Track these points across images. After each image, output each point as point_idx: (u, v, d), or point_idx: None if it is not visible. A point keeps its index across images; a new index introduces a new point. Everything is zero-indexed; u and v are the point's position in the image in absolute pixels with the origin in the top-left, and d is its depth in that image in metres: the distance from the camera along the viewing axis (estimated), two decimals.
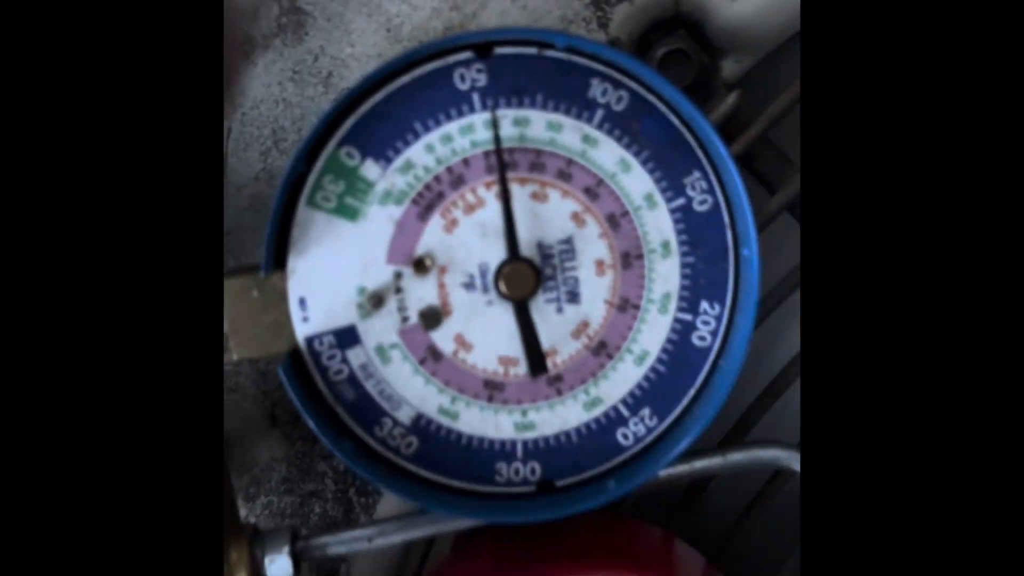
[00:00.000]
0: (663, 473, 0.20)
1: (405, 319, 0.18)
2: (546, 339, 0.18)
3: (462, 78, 0.17)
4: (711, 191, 0.18)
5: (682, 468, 0.20)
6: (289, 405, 0.24)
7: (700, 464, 0.20)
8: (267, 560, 0.19)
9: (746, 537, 0.23)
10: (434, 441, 0.18)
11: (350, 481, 0.23)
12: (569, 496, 0.18)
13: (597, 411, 0.19)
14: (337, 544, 0.20)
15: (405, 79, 0.17)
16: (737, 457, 0.20)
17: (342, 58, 0.21)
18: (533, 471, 0.19)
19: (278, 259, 0.18)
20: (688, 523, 0.24)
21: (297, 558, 0.19)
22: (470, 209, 0.18)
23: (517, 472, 0.19)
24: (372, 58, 0.20)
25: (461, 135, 0.17)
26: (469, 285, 0.18)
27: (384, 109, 0.17)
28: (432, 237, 0.18)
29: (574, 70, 0.18)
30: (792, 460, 0.20)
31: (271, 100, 0.21)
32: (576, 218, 0.18)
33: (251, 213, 0.21)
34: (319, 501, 0.23)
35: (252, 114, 0.21)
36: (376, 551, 0.20)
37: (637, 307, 0.18)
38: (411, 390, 0.18)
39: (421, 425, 0.18)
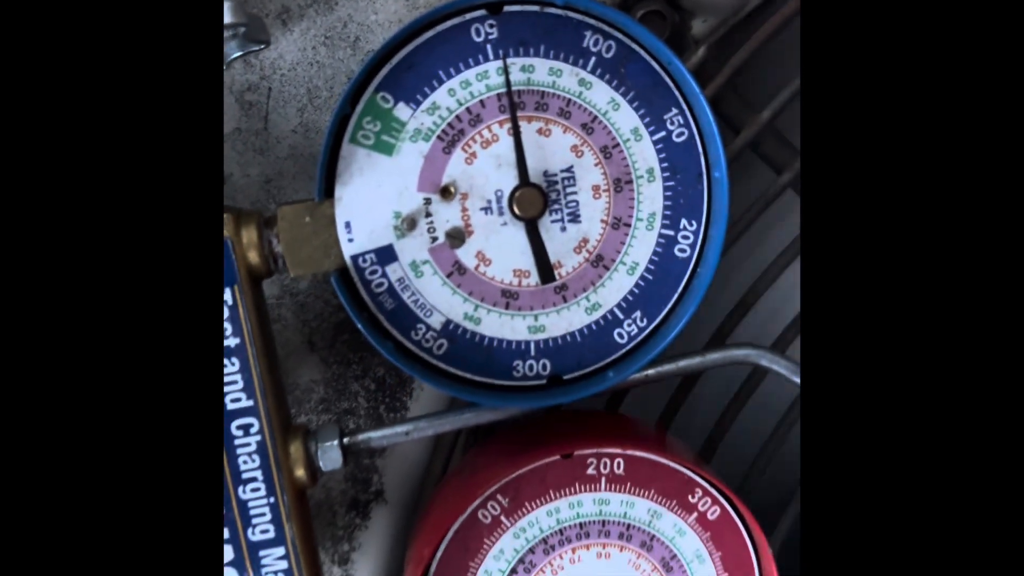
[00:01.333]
0: (653, 371, 0.23)
1: (434, 239, 0.21)
2: (553, 254, 0.22)
3: (477, 32, 0.21)
4: (687, 125, 0.21)
5: (668, 366, 0.23)
6: (326, 333, 0.27)
7: (683, 363, 0.24)
8: (320, 452, 0.22)
9: (730, 430, 0.26)
10: (461, 343, 0.22)
11: (380, 399, 0.26)
12: (575, 386, 0.22)
13: (597, 315, 0.22)
14: (379, 438, 0.23)
15: (430, 34, 0.21)
16: (714, 356, 0.24)
17: (368, 24, 0.24)
18: (544, 367, 0.22)
19: (327, 190, 0.21)
20: (681, 423, 0.27)
21: (345, 450, 0.22)
22: (487, 144, 0.21)
23: (531, 368, 0.22)
24: (393, 23, 0.24)
25: (477, 80, 0.21)
26: (487, 208, 0.21)
27: (412, 59, 0.21)
28: (455, 168, 0.21)
29: (570, 24, 0.21)
30: (761, 358, 0.24)
31: (306, 62, 0.24)
32: (575, 150, 0.21)
33: (290, 162, 0.24)
34: (353, 417, 0.26)
35: (289, 75, 0.24)
36: (411, 442, 0.24)
37: (628, 225, 0.22)
38: (440, 300, 0.21)
39: (450, 330, 0.22)
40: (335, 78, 0.24)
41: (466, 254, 0.21)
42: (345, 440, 0.22)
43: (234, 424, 0.21)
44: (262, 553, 0.21)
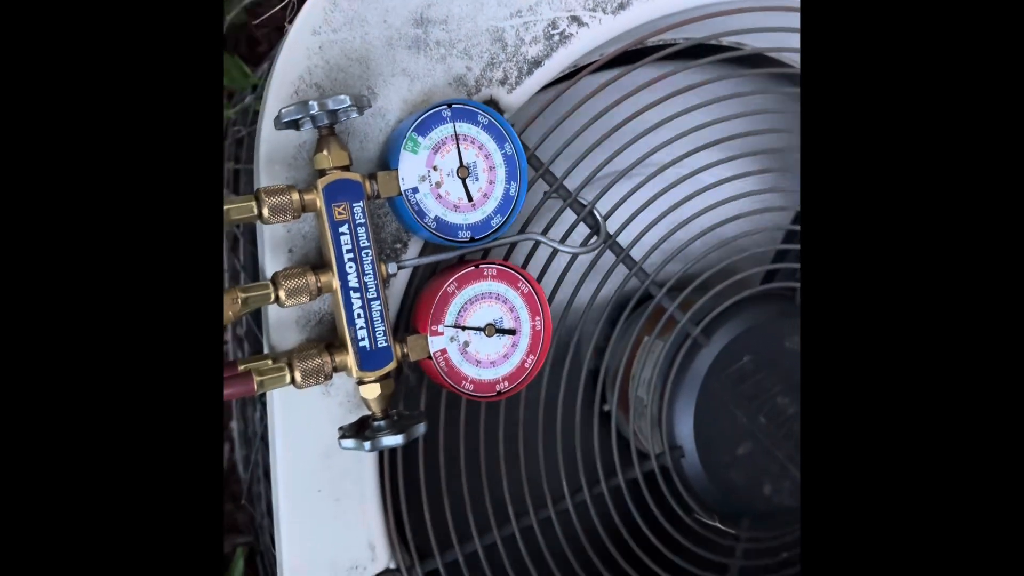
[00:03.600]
0: (498, 241, 0.61)
1: (436, 183, 0.58)
2: (472, 192, 0.59)
3: (444, 114, 0.58)
4: (515, 146, 0.60)
5: (505, 240, 0.61)
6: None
7: (509, 239, 0.62)
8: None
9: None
10: (440, 226, 0.58)
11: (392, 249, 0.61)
12: (477, 242, 0.59)
13: (485, 215, 0.60)
14: (406, 263, 0.58)
15: (428, 112, 0.57)
16: (520, 236, 0.62)
17: (389, 108, 0.60)
18: (467, 232, 0.59)
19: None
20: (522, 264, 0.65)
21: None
22: (448, 152, 0.58)
23: (465, 233, 0.59)
24: (400, 109, 0.60)
25: (445, 130, 0.58)
26: (449, 174, 0.58)
27: (423, 122, 0.57)
28: (438, 159, 0.58)
29: (478, 112, 0.59)
30: (537, 237, 0.63)
31: (364, 118, 0.59)
32: (478, 155, 0.59)
33: (376, 154, 0.59)
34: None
35: (360, 121, 0.59)
36: (406, 271, 0.59)
37: (493, 183, 0.60)
38: (433, 207, 0.58)
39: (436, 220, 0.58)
40: (382, 126, 0.59)
41: (442, 193, 0.58)
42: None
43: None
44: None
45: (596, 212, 0.64)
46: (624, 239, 0.67)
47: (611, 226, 0.66)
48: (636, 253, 0.68)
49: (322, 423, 0.60)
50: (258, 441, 0.75)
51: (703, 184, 0.67)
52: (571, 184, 0.65)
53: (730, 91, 0.67)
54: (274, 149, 0.56)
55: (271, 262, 0.58)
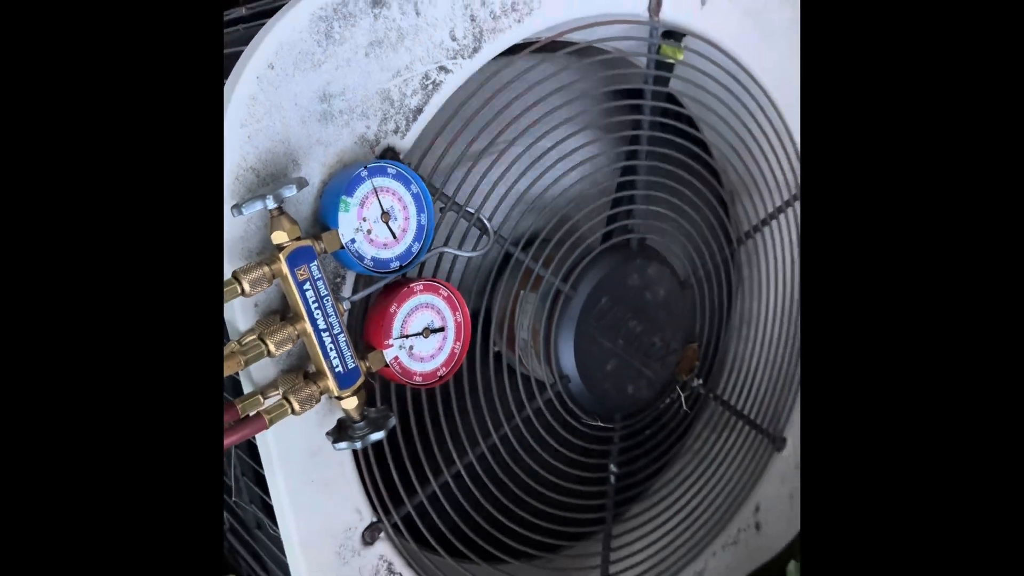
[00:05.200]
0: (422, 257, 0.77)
1: (367, 231, 0.72)
2: (394, 229, 0.74)
3: (362, 174, 0.71)
4: (424, 199, 0.75)
5: (428, 256, 0.77)
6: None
7: (428, 254, 0.78)
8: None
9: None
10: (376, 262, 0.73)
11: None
12: (404, 268, 0.75)
13: (404, 247, 0.75)
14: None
15: (355, 172, 0.71)
16: (431, 252, 0.79)
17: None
18: (398, 262, 0.74)
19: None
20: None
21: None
22: (370, 203, 0.72)
23: (395, 264, 0.74)
24: (319, 171, 0.73)
25: (366, 185, 0.72)
26: (375, 220, 0.73)
27: (344, 183, 0.71)
28: (365, 212, 0.72)
29: (389, 168, 0.73)
30: (445, 248, 0.79)
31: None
32: (393, 201, 0.74)
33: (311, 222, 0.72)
34: None
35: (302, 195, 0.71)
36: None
37: (408, 218, 0.75)
38: (368, 250, 0.72)
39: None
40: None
41: (372, 238, 0.72)
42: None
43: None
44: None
45: (482, 218, 0.81)
46: (489, 212, 0.85)
47: (475, 204, 0.83)
48: (506, 228, 0.86)
49: (306, 429, 0.75)
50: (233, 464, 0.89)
51: (553, 157, 0.85)
52: (462, 195, 0.81)
53: (572, 79, 0.85)
54: (230, 228, 0.68)
55: (242, 318, 0.70)
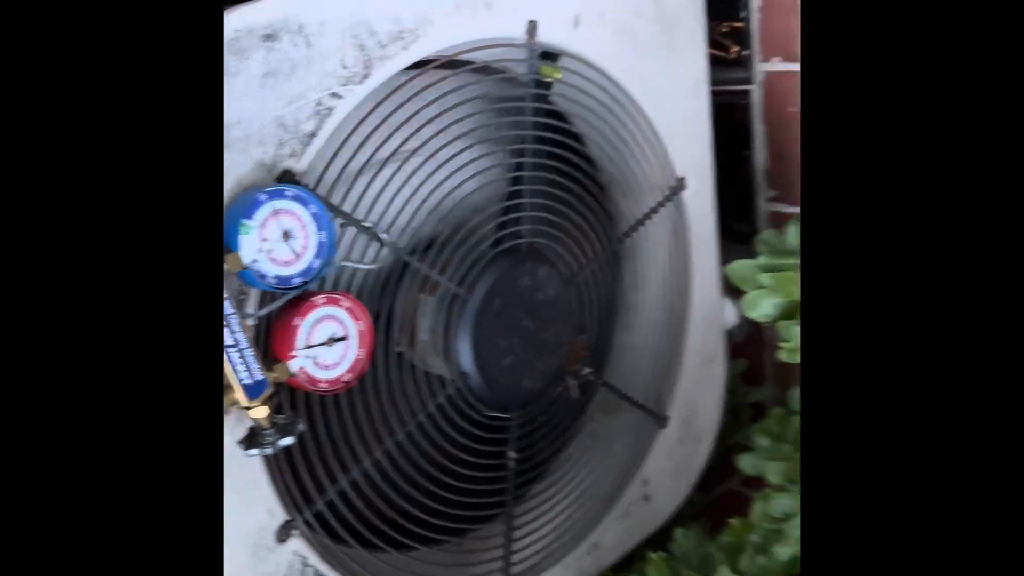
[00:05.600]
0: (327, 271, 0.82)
1: (268, 251, 0.77)
2: (292, 249, 0.79)
3: (261, 199, 0.76)
4: (322, 218, 0.80)
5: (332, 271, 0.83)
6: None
7: (333, 269, 0.83)
8: None
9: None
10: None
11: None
12: (311, 281, 0.80)
13: (307, 263, 0.80)
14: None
15: (254, 196, 0.75)
16: (342, 265, 0.84)
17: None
18: (301, 280, 0.79)
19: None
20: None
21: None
22: (267, 225, 0.77)
23: (299, 280, 0.79)
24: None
25: (263, 212, 0.76)
26: (276, 241, 0.77)
27: (246, 210, 0.75)
28: (265, 232, 0.77)
29: (295, 191, 0.77)
30: (359, 264, 0.85)
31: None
32: (293, 223, 0.78)
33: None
34: None
35: None
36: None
37: (307, 237, 0.80)
38: (271, 269, 0.77)
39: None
40: None
41: (275, 257, 0.77)
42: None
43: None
44: None
45: (377, 232, 0.87)
46: (387, 225, 0.91)
47: (373, 218, 0.89)
48: (404, 238, 0.92)
49: None
50: None
51: (449, 169, 0.91)
52: (361, 211, 0.86)
53: (467, 96, 0.91)
54: None
55: None
